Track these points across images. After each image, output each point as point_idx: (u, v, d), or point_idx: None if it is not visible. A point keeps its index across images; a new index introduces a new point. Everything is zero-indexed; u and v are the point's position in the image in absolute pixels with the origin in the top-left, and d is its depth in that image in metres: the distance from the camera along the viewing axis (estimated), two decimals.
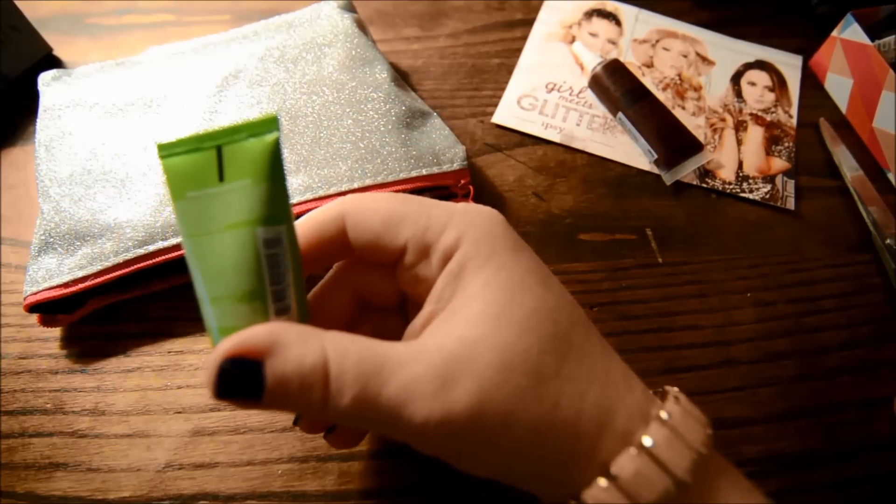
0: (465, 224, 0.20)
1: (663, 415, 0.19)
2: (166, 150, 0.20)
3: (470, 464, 0.19)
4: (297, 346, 0.18)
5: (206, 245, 0.20)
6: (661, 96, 0.41)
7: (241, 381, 0.17)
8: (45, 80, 0.37)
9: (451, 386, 0.18)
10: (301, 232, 0.21)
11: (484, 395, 0.18)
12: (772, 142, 0.40)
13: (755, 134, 0.40)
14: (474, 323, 0.19)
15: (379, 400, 0.17)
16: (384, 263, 0.22)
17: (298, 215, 0.31)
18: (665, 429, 0.18)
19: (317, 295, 0.24)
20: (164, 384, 0.30)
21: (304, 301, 0.21)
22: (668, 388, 0.21)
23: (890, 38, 0.39)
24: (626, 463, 0.18)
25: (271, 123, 0.19)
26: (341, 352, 0.18)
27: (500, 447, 0.18)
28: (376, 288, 0.24)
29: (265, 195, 0.19)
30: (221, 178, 0.19)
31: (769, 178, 0.39)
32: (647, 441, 0.18)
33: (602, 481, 0.18)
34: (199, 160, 0.20)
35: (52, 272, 0.30)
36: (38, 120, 0.35)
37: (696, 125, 0.40)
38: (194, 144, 0.20)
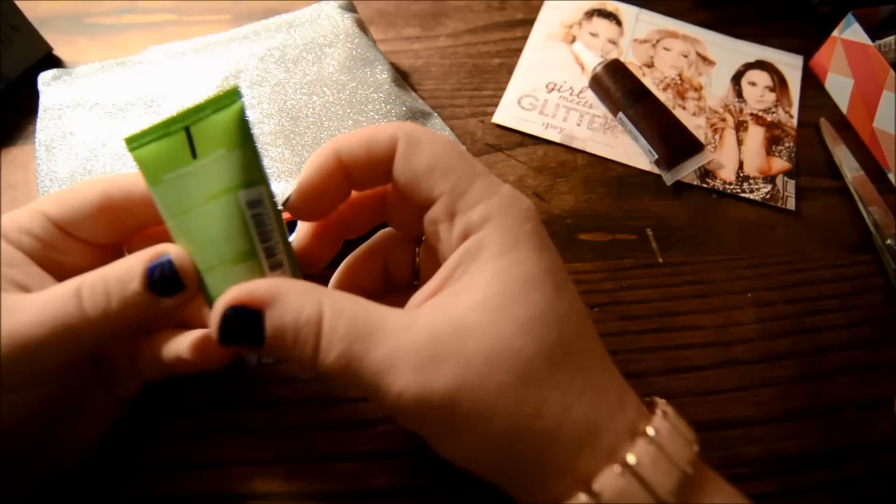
0: (499, 208, 0.20)
1: (650, 431, 0.18)
2: (135, 142, 0.21)
3: (445, 446, 0.19)
4: (296, 298, 0.19)
5: (191, 220, 0.21)
6: (662, 96, 0.41)
7: (242, 328, 0.19)
8: (45, 79, 0.36)
9: (434, 365, 0.18)
10: (354, 139, 0.21)
11: (464, 383, 0.18)
12: (772, 142, 0.40)
13: (756, 134, 0.40)
14: (473, 308, 0.18)
15: (362, 363, 0.18)
16: (412, 203, 0.22)
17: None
18: (651, 447, 0.18)
19: (351, 262, 0.25)
20: (167, 383, 0.30)
21: (294, 257, 0.22)
22: (656, 399, 0.20)
23: (890, 39, 0.39)
24: (609, 481, 0.17)
25: (233, 94, 0.21)
26: (337, 309, 0.18)
27: (475, 436, 0.18)
28: (403, 262, 0.25)
29: (240, 160, 0.20)
30: (194, 155, 0.20)
31: (770, 179, 0.39)
32: (631, 459, 0.18)
33: (583, 497, 0.17)
34: (170, 144, 0.21)
35: None
36: (38, 120, 0.35)
37: (696, 125, 0.40)
38: (162, 131, 0.21)
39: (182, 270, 0.20)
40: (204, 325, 0.25)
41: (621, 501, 0.17)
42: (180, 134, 0.20)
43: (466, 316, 0.18)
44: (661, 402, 0.20)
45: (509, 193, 0.21)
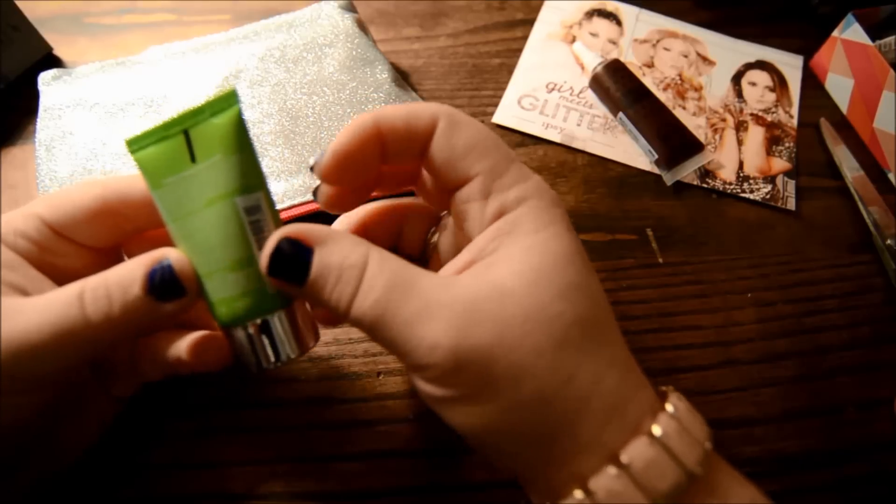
0: (533, 191, 0.20)
1: (670, 408, 0.19)
2: (136, 144, 0.21)
3: (466, 412, 0.19)
4: (347, 244, 0.19)
5: (191, 225, 0.21)
6: (662, 96, 0.41)
7: (292, 261, 0.19)
8: (45, 79, 0.36)
9: (472, 322, 0.18)
10: (396, 112, 0.21)
11: (502, 341, 0.18)
12: (772, 142, 0.40)
13: (756, 134, 0.40)
14: (512, 275, 0.19)
15: (398, 310, 0.18)
16: (445, 181, 0.22)
17: (299, 217, 0.32)
18: (674, 422, 0.18)
19: (370, 212, 0.25)
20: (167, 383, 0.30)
21: None
22: (666, 388, 0.21)
23: (890, 39, 0.39)
24: (639, 451, 0.17)
25: (231, 98, 0.20)
26: (381, 259, 0.19)
27: (505, 401, 0.18)
28: (416, 235, 0.26)
29: (237, 166, 0.20)
30: (193, 159, 0.20)
31: (770, 179, 0.39)
32: (657, 431, 0.18)
33: (612, 469, 0.17)
34: (169, 147, 0.20)
35: None
36: (38, 120, 0.35)
37: (696, 125, 0.40)
38: (161, 133, 0.20)
39: (182, 275, 0.20)
40: (203, 327, 0.25)
41: (651, 472, 0.17)
42: (179, 137, 0.20)
43: (505, 281, 0.19)
44: (671, 388, 0.21)
45: (540, 181, 0.21)
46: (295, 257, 0.19)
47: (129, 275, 0.20)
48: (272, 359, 0.22)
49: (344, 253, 0.19)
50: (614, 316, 0.21)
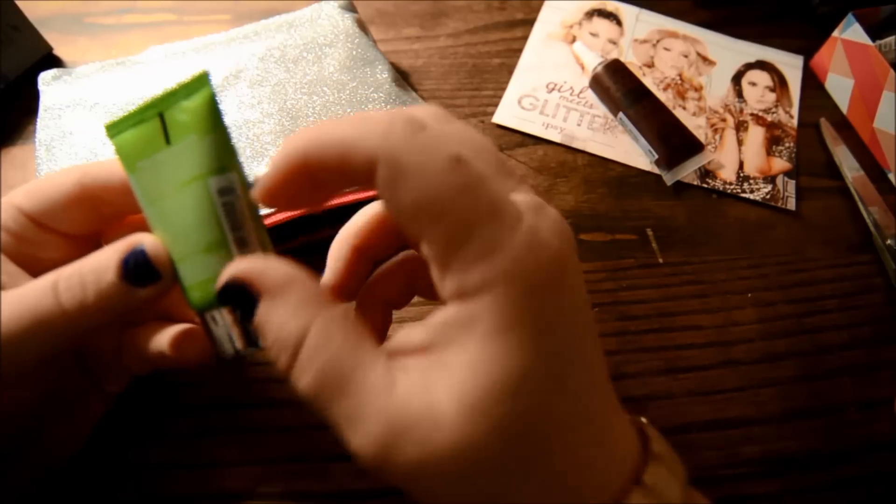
0: (505, 273, 0.16)
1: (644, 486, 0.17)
2: (115, 129, 0.21)
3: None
4: (290, 307, 0.17)
5: (165, 207, 0.21)
6: (662, 96, 0.41)
7: (238, 303, 0.18)
8: (46, 79, 0.36)
9: (396, 443, 0.16)
10: (329, 143, 0.17)
11: (423, 471, 0.17)
12: (772, 142, 0.40)
13: (756, 134, 0.40)
14: (451, 399, 0.16)
15: (329, 404, 0.17)
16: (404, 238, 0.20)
17: (298, 217, 0.32)
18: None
19: (378, 276, 0.24)
20: (167, 383, 0.30)
21: (268, 242, 0.21)
22: (645, 428, 0.20)
23: (891, 39, 0.39)
24: None
25: (203, 80, 0.20)
26: (324, 337, 0.17)
27: None
28: (426, 280, 0.23)
29: (210, 146, 0.20)
30: (168, 141, 0.20)
31: (770, 179, 0.39)
32: None
33: None
34: (145, 130, 0.21)
35: None
36: (38, 119, 0.35)
37: (696, 125, 0.40)
38: (138, 117, 0.21)
39: (156, 260, 0.20)
40: (189, 319, 0.25)
41: None
42: (155, 120, 0.20)
43: (441, 403, 0.16)
44: (652, 432, 0.19)
45: (526, 243, 0.16)
46: (241, 301, 0.18)
47: (103, 261, 0.20)
48: (246, 344, 0.21)
49: (283, 318, 0.17)
50: (604, 399, 0.19)
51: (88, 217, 0.23)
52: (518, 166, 0.38)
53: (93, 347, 0.25)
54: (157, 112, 0.20)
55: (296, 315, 0.17)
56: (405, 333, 0.18)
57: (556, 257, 0.17)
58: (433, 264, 0.17)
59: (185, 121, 0.20)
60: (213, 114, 0.20)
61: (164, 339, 0.23)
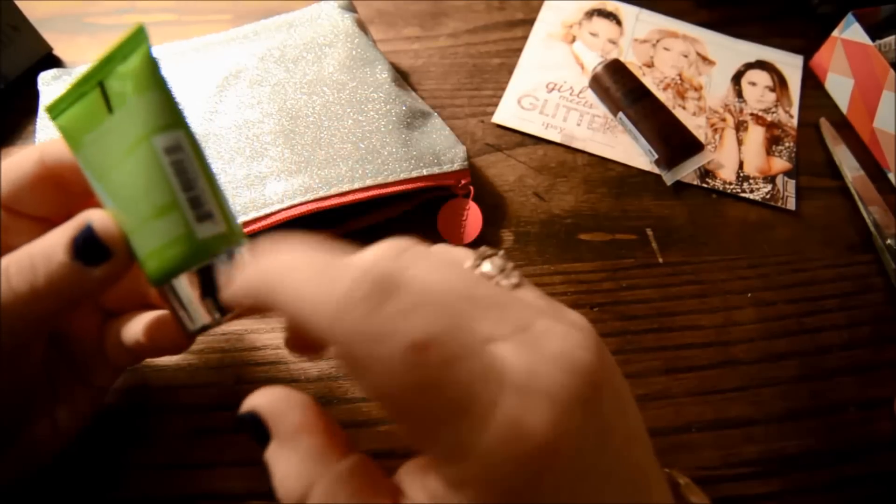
0: (477, 479, 0.14)
1: None
2: (56, 110, 0.20)
3: None
4: (295, 459, 0.17)
5: (114, 179, 0.19)
6: (662, 96, 0.41)
7: (252, 431, 0.18)
8: (45, 79, 0.36)
9: None
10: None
11: None
12: (772, 142, 0.40)
13: (756, 134, 0.40)
14: None
15: None
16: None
17: (298, 217, 0.31)
18: None
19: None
20: (167, 383, 0.30)
21: (228, 207, 0.20)
22: (679, 480, 0.19)
23: (890, 39, 0.39)
24: None
25: (139, 36, 0.19)
26: (326, 499, 0.16)
27: None
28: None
29: (151, 105, 0.19)
30: (110, 109, 0.19)
31: (770, 178, 0.39)
32: None
33: None
34: (87, 103, 0.19)
35: None
36: (38, 120, 0.35)
37: (696, 125, 0.40)
38: (77, 91, 0.20)
39: (105, 235, 0.19)
40: None
41: None
42: (96, 90, 0.19)
43: None
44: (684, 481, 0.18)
45: (500, 439, 0.14)
46: (257, 432, 0.18)
47: (52, 242, 0.19)
48: (213, 314, 0.20)
49: (288, 471, 0.17)
50: None
51: (56, 197, 0.22)
52: (518, 166, 0.38)
53: (74, 339, 0.24)
54: (97, 81, 0.19)
55: (300, 471, 0.16)
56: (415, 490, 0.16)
57: (542, 445, 0.14)
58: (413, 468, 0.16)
59: (124, 84, 0.19)
60: (152, 71, 0.19)
61: (138, 326, 0.22)
